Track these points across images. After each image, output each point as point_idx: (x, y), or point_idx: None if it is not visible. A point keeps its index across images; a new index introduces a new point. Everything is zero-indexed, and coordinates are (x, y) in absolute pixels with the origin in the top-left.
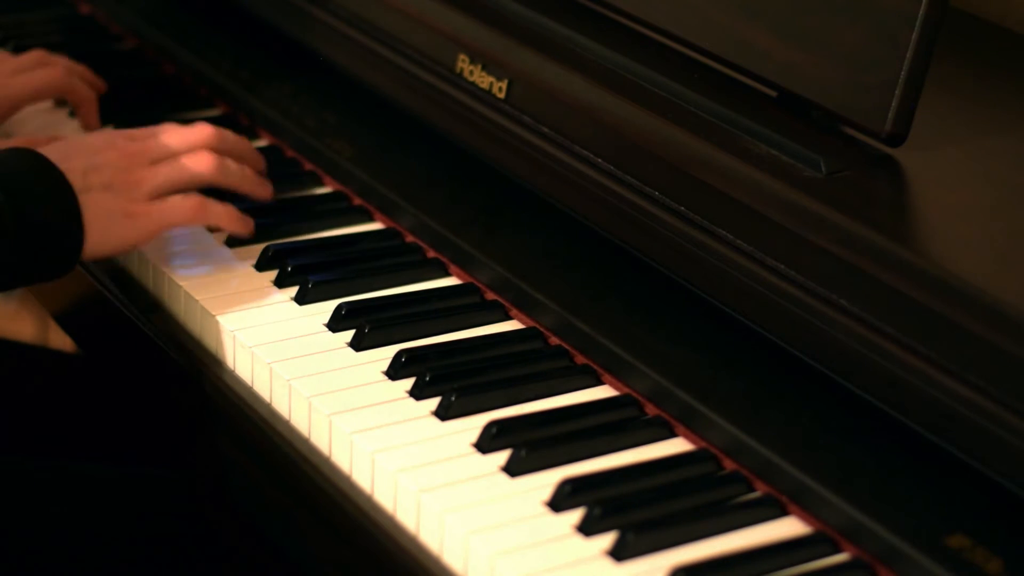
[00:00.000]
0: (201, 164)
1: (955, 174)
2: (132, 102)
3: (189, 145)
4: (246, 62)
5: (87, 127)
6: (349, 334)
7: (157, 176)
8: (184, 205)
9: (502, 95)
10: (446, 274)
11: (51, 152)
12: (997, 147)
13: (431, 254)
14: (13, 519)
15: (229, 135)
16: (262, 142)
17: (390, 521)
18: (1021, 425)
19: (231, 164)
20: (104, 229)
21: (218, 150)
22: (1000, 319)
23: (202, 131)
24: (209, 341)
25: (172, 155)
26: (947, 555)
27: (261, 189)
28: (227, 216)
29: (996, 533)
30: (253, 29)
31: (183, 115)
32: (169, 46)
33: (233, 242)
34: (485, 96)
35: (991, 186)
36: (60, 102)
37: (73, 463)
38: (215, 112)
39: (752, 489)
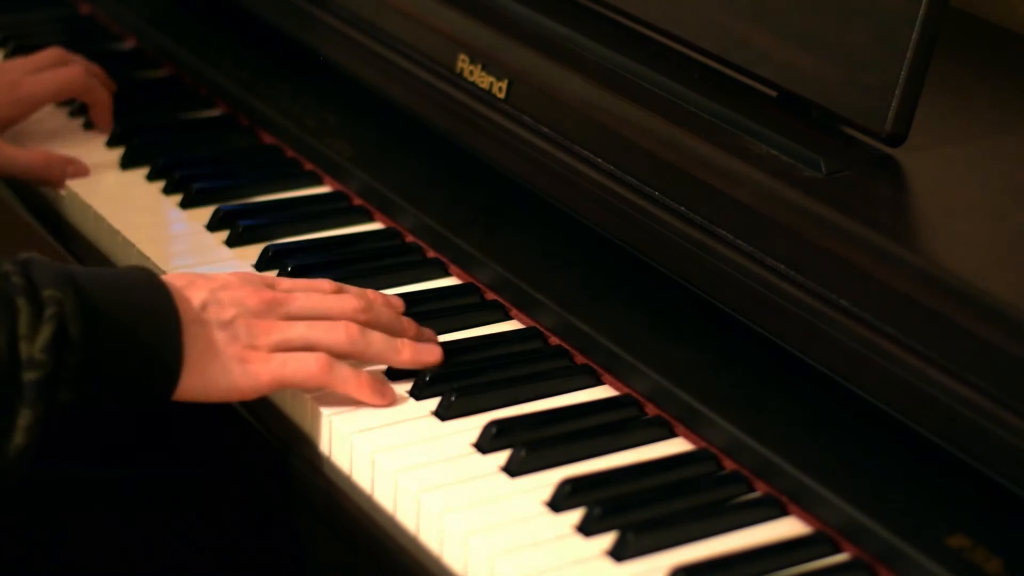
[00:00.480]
0: (341, 335)
1: (955, 174)
2: (132, 102)
3: (334, 313)
4: (246, 62)
5: (101, 128)
6: None
7: (288, 330)
8: (308, 361)
9: (502, 95)
10: (446, 274)
11: (176, 278)
12: (997, 147)
13: (431, 254)
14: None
15: (381, 308)
16: (262, 142)
17: (390, 521)
18: (1021, 425)
19: (376, 337)
20: (207, 368)
21: (364, 322)
22: (1000, 319)
23: (351, 301)
24: None
25: (311, 316)
26: (947, 555)
27: (417, 360)
28: (357, 383)
29: (996, 533)
30: (253, 29)
31: (183, 115)
32: (169, 46)
33: (232, 241)
34: (485, 96)
35: (991, 186)
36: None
37: (74, 468)
38: (215, 112)
39: (752, 489)
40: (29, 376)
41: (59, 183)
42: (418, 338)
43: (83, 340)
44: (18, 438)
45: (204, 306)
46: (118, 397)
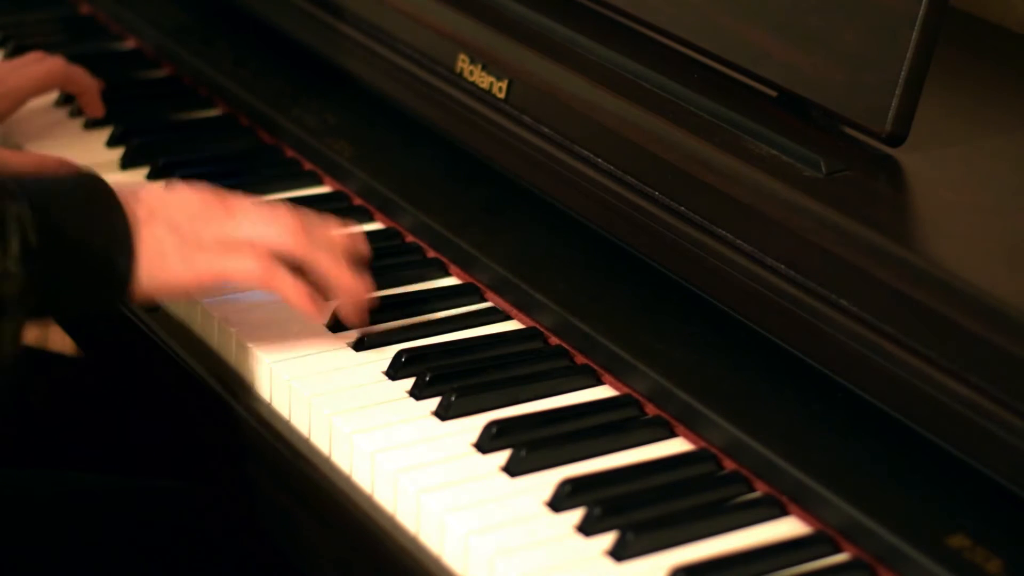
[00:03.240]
0: (283, 226)
1: (955, 174)
2: (132, 102)
3: (280, 214)
4: (246, 62)
5: (92, 115)
6: (350, 335)
7: (234, 226)
8: (251, 258)
9: (502, 95)
10: (446, 274)
11: (125, 185)
12: (997, 147)
13: (431, 254)
14: (12, 532)
15: (320, 223)
16: (262, 142)
17: (390, 521)
18: (1021, 425)
19: (320, 235)
20: (157, 265)
21: (306, 229)
22: (1000, 319)
23: (293, 208)
24: (211, 341)
25: (258, 215)
26: (947, 555)
27: (353, 282)
28: (296, 291)
29: (996, 533)
30: (253, 29)
31: (183, 115)
32: (169, 46)
33: None
34: (485, 96)
35: (991, 186)
36: (60, 102)
37: (73, 472)
38: (215, 112)
39: (752, 489)
40: (7, 288)
41: None
42: (357, 251)
43: (41, 248)
44: (5, 348)
45: (152, 209)
46: (74, 301)
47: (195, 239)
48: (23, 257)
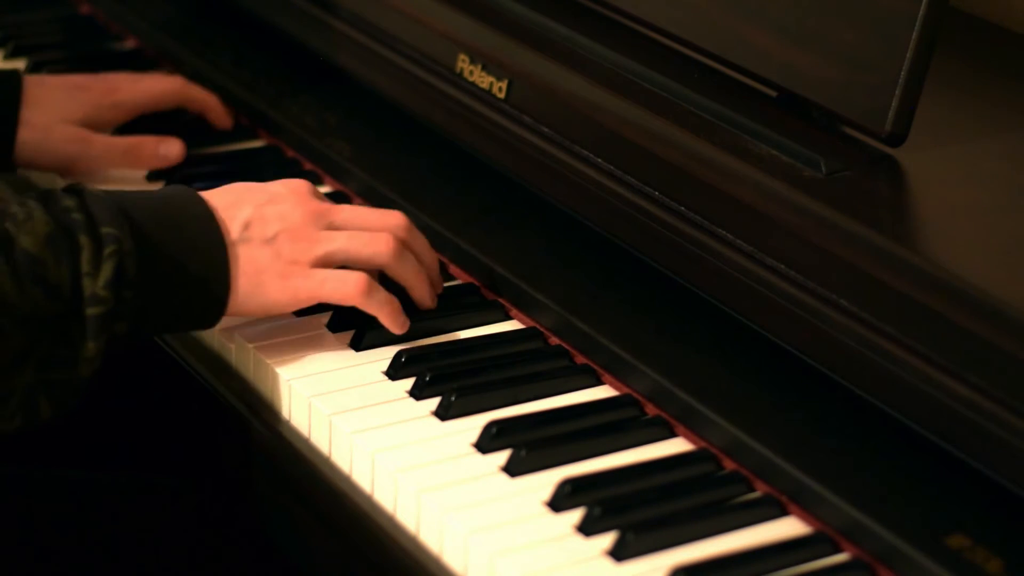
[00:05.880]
0: (380, 245)
1: (955, 174)
2: None
3: (377, 225)
4: (246, 62)
5: (223, 127)
6: (349, 334)
7: (330, 242)
8: (347, 280)
9: (502, 95)
10: (446, 274)
11: (217, 196)
12: (997, 147)
13: None
14: (11, 531)
15: (420, 236)
16: (262, 142)
17: (390, 521)
18: (1021, 425)
19: (411, 258)
20: (251, 287)
21: (404, 242)
22: (1000, 319)
23: (396, 217)
24: (211, 342)
25: (354, 227)
26: (947, 555)
27: (429, 299)
28: (389, 309)
29: (996, 533)
30: (253, 29)
31: (183, 115)
32: (169, 46)
33: None
34: (485, 96)
35: (991, 186)
36: None
37: (70, 469)
38: None
39: (752, 489)
40: (92, 311)
41: (154, 162)
42: (436, 281)
43: (139, 276)
44: (83, 369)
45: (247, 225)
46: (169, 326)
47: (291, 256)
48: (115, 283)
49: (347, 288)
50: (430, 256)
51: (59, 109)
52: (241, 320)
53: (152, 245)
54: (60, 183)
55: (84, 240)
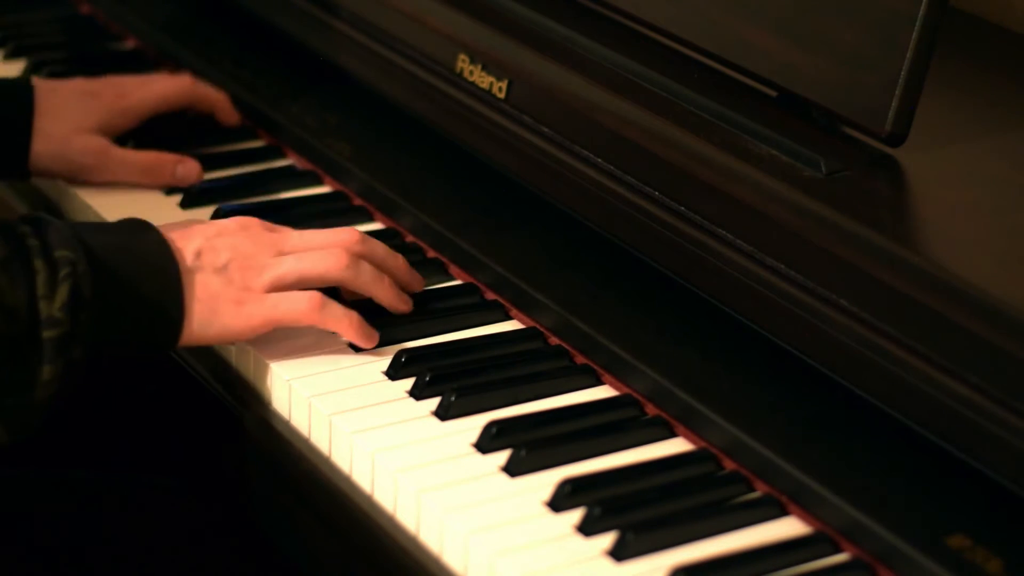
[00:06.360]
0: (329, 260)
1: (955, 174)
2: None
3: (327, 244)
4: (246, 62)
5: (230, 124)
6: None
7: (279, 266)
8: (299, 300)
9: (502, 95)
10: (446, 274)
11: (172, 228)
12: (997, 147)
13: (431, 254)
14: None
15: (377, 244)
16: (261, 142)
17: (390, 521)
18: (1021, 425)
19: (366, 267)
20: (207, 313)
21: (359, 255)
22: (1000, 319)
23: (346, 232)
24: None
25: (304, 249)
26: (947, 555)
27: (398, 302)
28: (348, 322)
29: (996, 533)
30: (253, 29)
31: (183, 115)
32: (169, 46)
33: None
34: (485, 96)
35: (991, 186)
36: None
37: (68, 469)
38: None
39: (752, 489)
40: (48, 334)
41: (171, 181)
42: (407, 282)
43: (94, 298)
44: (39, 392)
45: (198, 253)
46: (124, 349)
47: (243, 284)
48: (71, 305)
49: (300, 307)
50: (393, 261)
51: (73, 118)
52: None
53: (107, 268)
54: (70, 192)
55: (39, 264)
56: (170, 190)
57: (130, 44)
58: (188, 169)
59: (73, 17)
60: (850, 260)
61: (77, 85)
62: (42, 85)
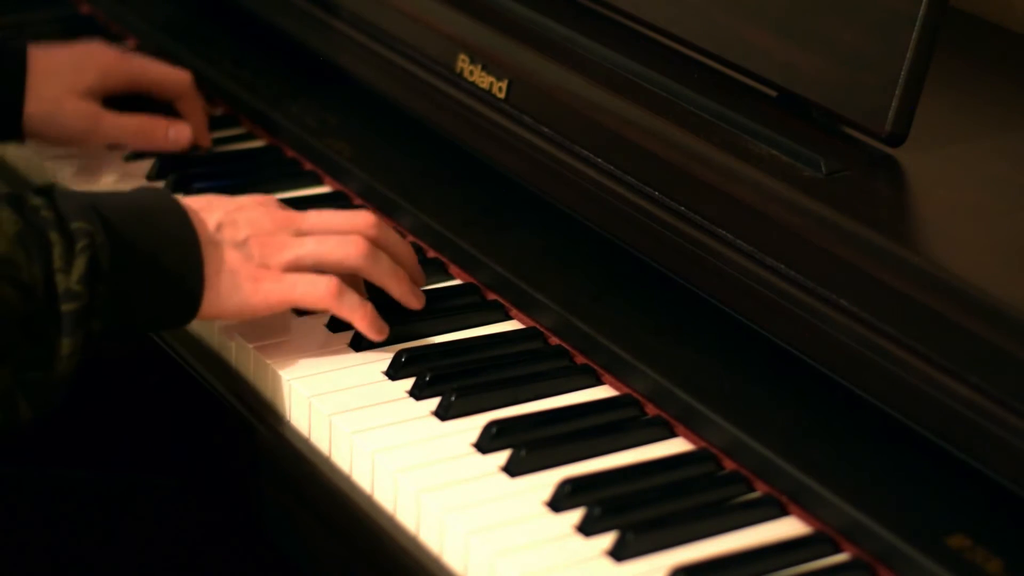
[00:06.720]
0: (350, 247)
1: (955, 174)
2: (132, 102)
3: (346, 227)
4: (246, 62)
5: (198, 143)
6: (349, 334)
7: (300, 246)
8: (318, 284)
9: (502, 95)
10: (446, 274)
11: (193, 201)
12: (997, 147)
13: (431, 254)
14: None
15: (392, 233)
16: (262, 142)
17: (390, 521)
18: (1021, 425)
19: (384, 258)
20: (224, 288)
21: (375, 241)
22: (1000, 319)
23: (364, 217)
24: (211, 342)
25: (323, 231)
26: (947, 555)
27: (411, 297)
28: (362, 313)
29: (996, 533)
30: (253, 29)
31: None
32: (169, 46)
33: None
34: (485, 96)
35: (991, 186)
36: None
37: (69, 469)
38: (215, 112)
39: (752, 489)
40: (67, 307)
41: (163, 144)
42: (415, 275)
43: (112, 270)
44: (61, 368)
45: (219, 227)
46: (144, 323)
47: (262, 261)
48: (89, 278)
49: (318, 291)
50: (406, 252)
51: (66, 80)
52: (241, 322)
53: (125, 238)
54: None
55: (55, 237)
56: (169, 189)
57: (130, 44)
58: (179, 132)
59: (73, 17)
60: (850, 260)
61: (74, 48)
62: (36, 48)
